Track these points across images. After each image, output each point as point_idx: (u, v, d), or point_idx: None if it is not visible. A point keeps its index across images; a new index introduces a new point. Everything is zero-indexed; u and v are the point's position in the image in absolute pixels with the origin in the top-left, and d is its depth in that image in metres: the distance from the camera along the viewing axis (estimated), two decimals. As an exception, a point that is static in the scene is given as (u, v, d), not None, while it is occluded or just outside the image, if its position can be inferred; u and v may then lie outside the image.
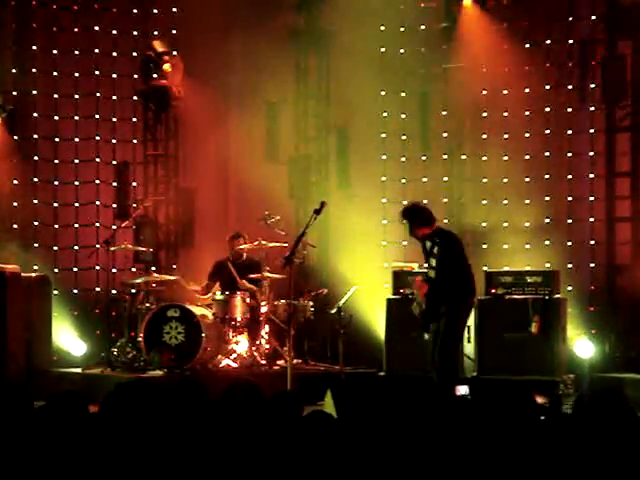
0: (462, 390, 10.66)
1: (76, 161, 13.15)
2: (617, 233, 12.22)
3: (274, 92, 13.21)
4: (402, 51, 12.88)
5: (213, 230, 13.14)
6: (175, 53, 13.12)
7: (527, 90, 12.48)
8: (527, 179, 12.47)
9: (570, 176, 12.31)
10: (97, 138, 13.24)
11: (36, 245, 12.85)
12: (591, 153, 12.27)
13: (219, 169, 13.59)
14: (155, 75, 13.04)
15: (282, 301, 11.58)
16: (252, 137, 13.22)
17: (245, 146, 13.25)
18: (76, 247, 13.05)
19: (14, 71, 12.84)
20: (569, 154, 12.36)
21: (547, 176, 12.42)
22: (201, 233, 13.40)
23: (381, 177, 13.05)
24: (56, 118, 13.10)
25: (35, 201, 12.97)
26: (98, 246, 12.71)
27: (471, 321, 11.16)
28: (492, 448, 4.05)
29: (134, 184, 13.45)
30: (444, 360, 9.08)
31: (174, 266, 13.25)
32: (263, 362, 11.34)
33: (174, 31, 13.36)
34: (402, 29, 12.89)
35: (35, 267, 12.41)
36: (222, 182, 13.61)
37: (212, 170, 13.55)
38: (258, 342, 11.47)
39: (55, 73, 13.09)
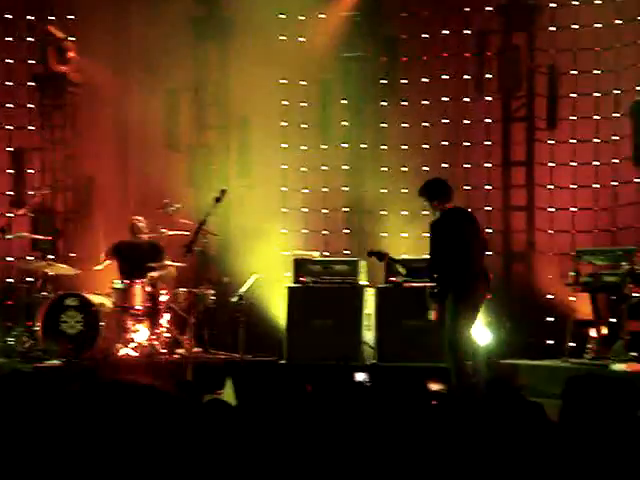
0: (360, 377, 10.76)
1: (-29, 148, 12.91)
2: (513, 221, 12.45)
3: (174, 79, 13.12)
4: (302, 39, 12.91)
5: (113, 218, 13.01)
6: (73, 39, 12.95)
7: (425, 80, 12.63)
8: (425, 168, 12.61)
9: (467, 165, 12.50)
10: (-8, 124, 13.02)
11: None
12: (487, 142, 12.48)
13: (118, 156, 13.46)
14: (53, 61, 12.85)
15: (182, 289, 11.54)
16: (152, 124, 13.11)
17: (145, 134, 13.15)
18: (-29, 235, 12.81)
19: None
20: (466, 143, 12.54)
21: (445, 165, 12.59)
22: (100, 221, 13.25)
23: (281, 165, 13.07)
24: (-50, 104, 12.85)
25: None
26: (-6, 234, 12.49)
27: (371, 309, 11.30)
28: (387, 434, 4.10)
29: (30, 171, 13.25)
30: (449, 349, 9.00)
31: (72, 254, 13.09)
32: (163, 351, 11.28)
33: (71, 16, 13.17)
34: (302, 17, 12.91)
35: None
36: (121, 170, 13.49)
37: (111, 158, 13.41)
38: (158, 331, 11.40)
39: (-52, 58, 12.83)
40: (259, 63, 12.69)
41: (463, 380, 8.87)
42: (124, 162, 13.48)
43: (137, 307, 11.33)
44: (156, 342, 11.31)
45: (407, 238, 12.44)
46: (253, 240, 12.36)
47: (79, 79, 13.05)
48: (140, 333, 11.36)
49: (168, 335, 11.45)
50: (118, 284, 11.43)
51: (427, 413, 3.96)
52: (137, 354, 11.21)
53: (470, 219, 9.11)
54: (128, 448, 3.96)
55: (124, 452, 3.87)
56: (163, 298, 11.49)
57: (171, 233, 11.55)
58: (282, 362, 11.27)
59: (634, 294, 9.91)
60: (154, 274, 11.47)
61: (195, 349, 10.99)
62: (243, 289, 10.98)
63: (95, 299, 11.26)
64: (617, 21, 11.93)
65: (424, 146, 12.64)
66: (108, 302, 11.40)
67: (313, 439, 4.29)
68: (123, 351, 11.23)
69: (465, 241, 8.89)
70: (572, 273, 10.39)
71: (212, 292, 11.68)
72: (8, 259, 12.81)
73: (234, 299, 10.97)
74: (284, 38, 12.94)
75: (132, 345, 11.26)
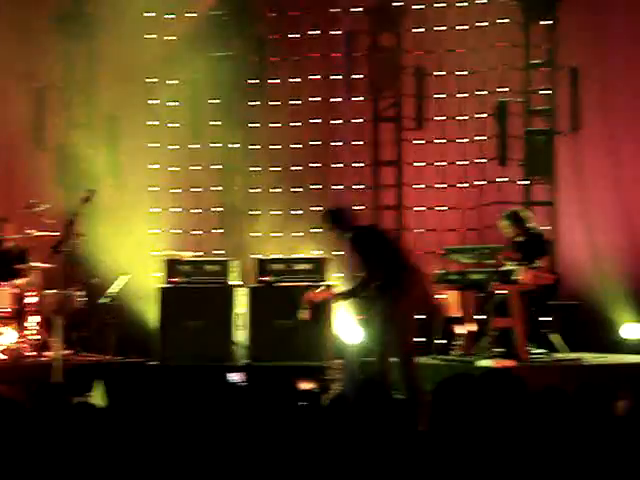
0: (235, 377, 10.76)
1: None
2: (384, 220, 12.60)
3: (40, 78, 12.89)
4: (170, 38, 12.81)
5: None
6: None
7: (295, 80, 12.69)
8: (296, 167, 12.68)
9: (338, 165, 12.60)
10: None
11: None
12: (357, 142, 12.60)
13: (-18, 156, 13.15)
14: None
15: (51, 291, 11.35)
16: (18, 124, 12.84)
17: (10, 132, 12.87)
18: None
19: None
20: (336, 143, 12.64)
21: (316, 165, 12.67)
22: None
23: (151, 165, 12.96)
24: None
25: None
26: None
27: (243, 309, 11.31)
28: (260, 433, 4.12)
29: None
30: (377, 363, 8.77)
31: None
32: (31, 354, 11.09)
33: None
34: (168, 16, 12.82)
35: None
36: (-14, 170, 13.19)
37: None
38: (26, 333, 11.19)
39: None
40: (127, 61, 12.58)
41: (381, 377, 8.88)
42: (-11, 161, 13.18)
43: (3, 309, 11.11)
44: (24, 345, 11.11)
45: (279, 237, 12.49)
46: (123, 240, 12.23)
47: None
48: (7, 336, 11.14)
49: (36, 338, 11.25)
50: (-17, 286, 11.19)
51: (297, 412, 4.00)
52: (4, 357, 10.99)
53: (378, 231, 9.22)
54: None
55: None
56: (31, 300, 11.28)
57: (38, 234, 11.34)
58: (153, 363, 11.19)
59: (500, 291, 10.13)
60: (19, 281, 11.26)
61: (64, 351, 10.81)
62: (113, 290, 10.86)
63: (-41, 302, 10.99)
64: (480, 23, 12.18)
65: (295, 146, 12.69)
66: (-27, 305, 11.13)
67: (185, 440, 4.28)
68: (-11, 355, 11.00)
69: (388, 247, 8.80)
70: (440, 271, 10.56)
71: (81, 293, 11.52)
72: None
73: (104, 300, 10.84)
74: (151, 36, 12.82)
75: (-1, 349, 11.04)
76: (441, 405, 3.98)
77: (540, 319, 10.54)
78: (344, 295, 9.08)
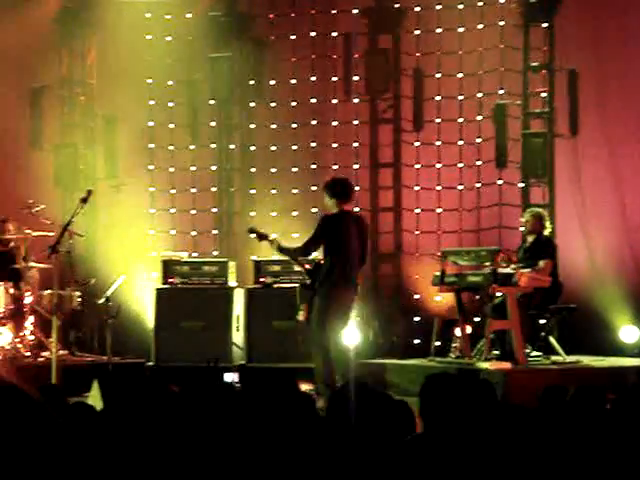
0: (230, 378, 10.75)
1: None
2: (381, 223, 12.59)
3: (39, 77, 12.87)
4: (169, 39, 12.81)
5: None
6: None
7: (293, 81, 12.68)
8: (294, 169, 12.68)
9: (336, 166, 12.58)
10: None
11: None
12: (356, 144, 12.60)
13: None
14: None
15: (48, 291, 11.33)
16: (15, 123, 12.83)
17: (7, 132, 12.85)
18: None
19: None
20: (335, 145, 12.64)
21: (314, 166, 12.66)
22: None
23: (148, 166, 12.96)
24: None
25: None
26: None
27: (240, 310, 11.30)
28: (261, 435, 4.11)
29: None
30: (317, 347, 9.17)
31: None
32: (27, 354, 11.06)
33: None
34: (168, 17, 12.81)
35: None
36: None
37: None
38: (22, 333, 11.16)
39: None
40: (125, 62, 12.57)
41: (329, 379, 8.95)
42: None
43: (0, 310, 11.08)
44: (20, 345, 11.08)
45: (277, 239, 12.45)
46: (120, 241, 12.22)
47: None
48: (3, 336, 11.11)
49: (32, 338, 11.23)
50: (-21, 287, 11.15)
51: (299, 414, 3.99)
52: (0, 358, 10.96)
53: (360, 224, 9.40)
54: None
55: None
56: (27, 300, 11.26)
57: (36, 234, 11.33)
58: (150, 364, 11.18)
59: (497, 294, 10.11)
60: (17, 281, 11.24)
61: (61, 352, 10.79)
62: (110, 291, 10.84)
63: (-45, 302, 10.96)
64: (479, 25, 12.18)
65: (293, 147, 12.69)
66: (-30, 305, 11.10)
67: (181, 441, 4.26)
68: (-14, 355, 10.97)
69: (347, 242, 9.13)
70: (437, 273, 10.53)
71: (78, 294, 11.50)
72: None
73: (101, 301, 10.82)
74: (150, 37, 12.81)
75: (-5, 349, 11.01)
76: (427, 402, 3.96)
77: (539, 322, 10.52)
78: (282, 249, 9.57)
